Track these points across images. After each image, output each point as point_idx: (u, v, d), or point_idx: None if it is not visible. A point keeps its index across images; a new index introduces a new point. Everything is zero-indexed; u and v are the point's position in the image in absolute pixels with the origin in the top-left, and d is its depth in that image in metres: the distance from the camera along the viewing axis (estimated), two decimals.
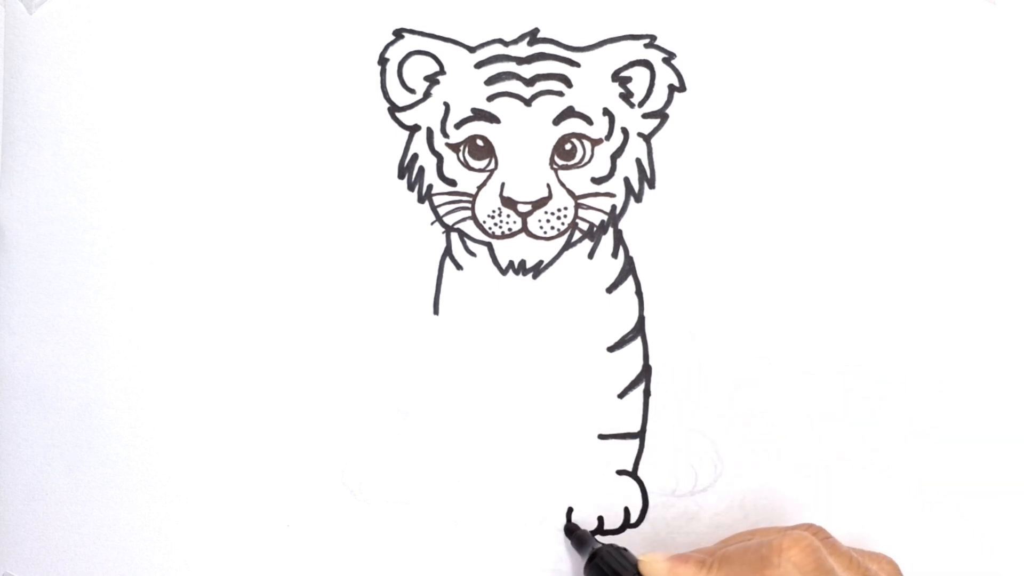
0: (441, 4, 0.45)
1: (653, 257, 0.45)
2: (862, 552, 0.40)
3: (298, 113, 0.45)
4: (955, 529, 0.46)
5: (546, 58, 0.45)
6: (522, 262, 0.45)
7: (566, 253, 0.45)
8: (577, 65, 0.45)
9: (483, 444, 0.45)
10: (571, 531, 0.45)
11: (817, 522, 0.41)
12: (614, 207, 0.45)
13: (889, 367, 0.45)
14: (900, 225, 0.45)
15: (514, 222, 0.45)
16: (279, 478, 0.45)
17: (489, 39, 0.45)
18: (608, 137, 0.45)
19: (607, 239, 0.45)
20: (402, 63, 0.45)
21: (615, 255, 0.45)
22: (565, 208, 0.45)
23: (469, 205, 0.45)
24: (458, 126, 0.45)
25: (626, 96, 0.45)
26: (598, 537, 0.44)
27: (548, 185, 0.45)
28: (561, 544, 0.45)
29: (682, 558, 0.39)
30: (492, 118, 0.45)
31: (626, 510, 0.45)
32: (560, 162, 0.45)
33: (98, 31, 0.45)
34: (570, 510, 0.45)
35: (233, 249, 0.45)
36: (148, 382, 0.45)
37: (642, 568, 0.40)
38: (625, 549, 0.42)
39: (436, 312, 0.45)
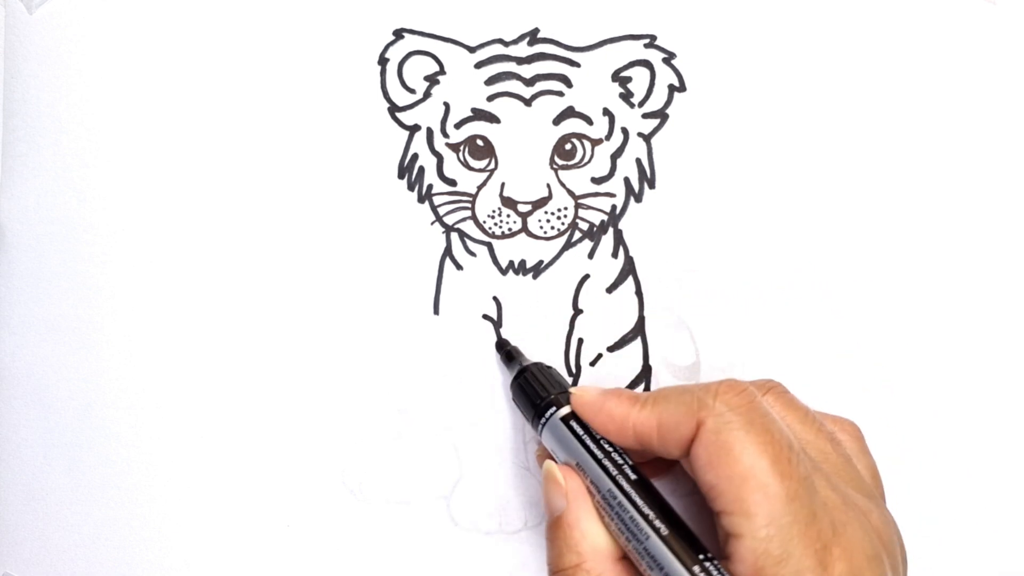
0: (441, 4, 0.45)
1: (653, 257, 0.45)
2: (823, 414, 0.39)
3: (298, 113, 0.45)
4: (956, 526, 0.46)
5: (546, 58, 0.45)
6: (522, 262, 0.45)
7: (566, 253, 0.45)
8: (577, 65, 0.45)
9: (483, 444, 0.45)
10: (501, 346, 0.45)
11: None
12: (614, 207, 0.45)
13: (890, 366, 0.45)
14: (900, 223, 0.45)
15: (514, 222, 0.45)
16: (279, 478, 0.45)
17: (489, 39, 0.45)
18: (608, 137, 0.45)
19: (607, 239, 0.45)
20: (402, 63, 0.45)
21: (615, 255, 0.45)
22: (565, 208, 0.45)
23: (469, 205, 0.45)
24: (458, 126, 0.45)
25: (626, 96, 0.45)
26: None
27: (548, 185, 0.45)
28: None
29: (615, 392, 0.38)
30: (492, 118, 0.45)
31: None
32: (560, 162, 0.45)
33: (98, 31, 0.45)
34: None
35: (233, 249, 0.45)
36: (148, 382, 0.45)
37: (573, 400, 0.39)
38: (553, 369, 0.42)
39: (436, 312, 0.45)
